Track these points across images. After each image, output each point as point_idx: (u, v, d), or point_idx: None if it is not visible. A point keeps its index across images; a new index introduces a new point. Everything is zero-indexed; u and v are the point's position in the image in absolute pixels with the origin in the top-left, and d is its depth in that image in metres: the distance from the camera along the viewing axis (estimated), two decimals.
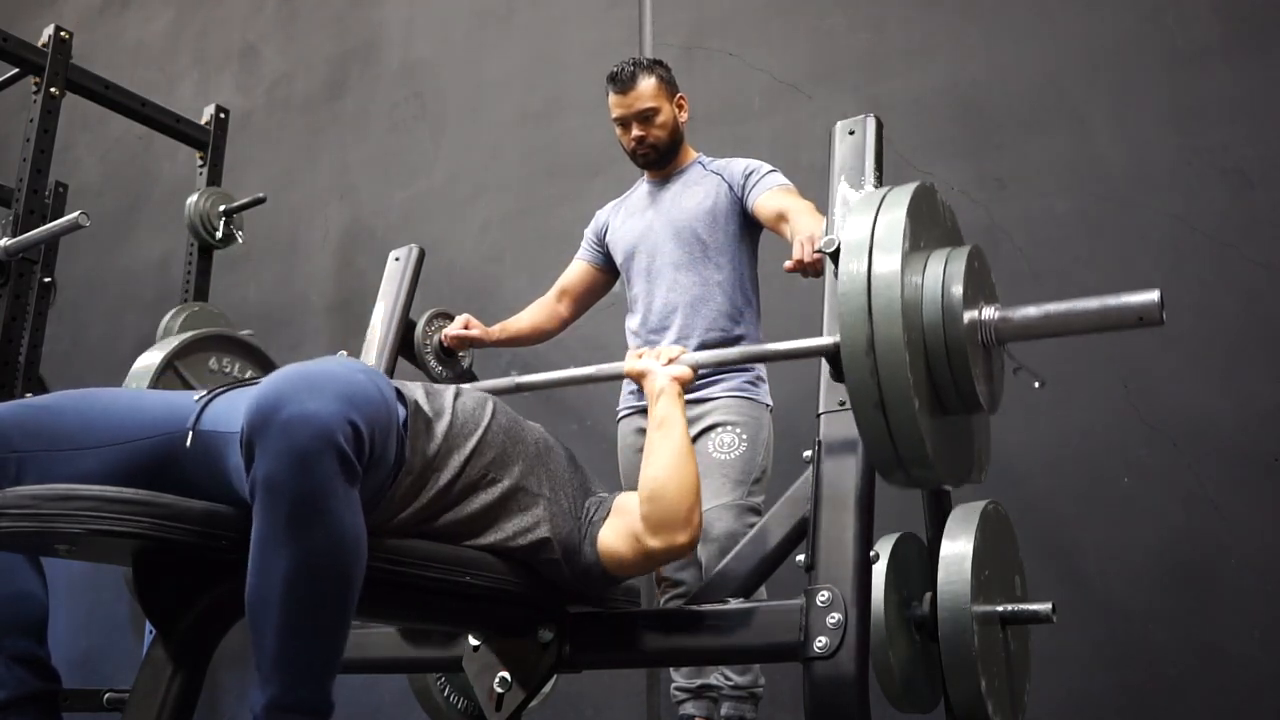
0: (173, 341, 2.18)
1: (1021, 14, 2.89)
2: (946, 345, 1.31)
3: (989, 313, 1.37)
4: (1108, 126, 2.70)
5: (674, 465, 1.46)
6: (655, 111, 2.35)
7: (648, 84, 2.35)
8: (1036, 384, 1.44)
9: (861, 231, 1.32)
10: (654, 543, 1.43)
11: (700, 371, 2.23)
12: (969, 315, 1.33)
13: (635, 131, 2.36)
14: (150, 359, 2.14)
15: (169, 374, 2.18)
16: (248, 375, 2.33)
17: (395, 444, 1.25)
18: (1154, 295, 1.29)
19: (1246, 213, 2.49)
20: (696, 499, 1.46)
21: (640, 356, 1.66)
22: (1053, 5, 2.85)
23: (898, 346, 1.24)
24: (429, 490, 1.34)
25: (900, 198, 1.34)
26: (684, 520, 1.43)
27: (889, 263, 1.27)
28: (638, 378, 1.64)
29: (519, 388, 1.82)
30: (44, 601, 1.30)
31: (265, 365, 2.34)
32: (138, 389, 2.02)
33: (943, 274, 1.33)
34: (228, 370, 2.27)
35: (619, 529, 1.47)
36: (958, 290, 1.32)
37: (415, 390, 1.41)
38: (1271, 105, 2.52)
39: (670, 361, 1.62)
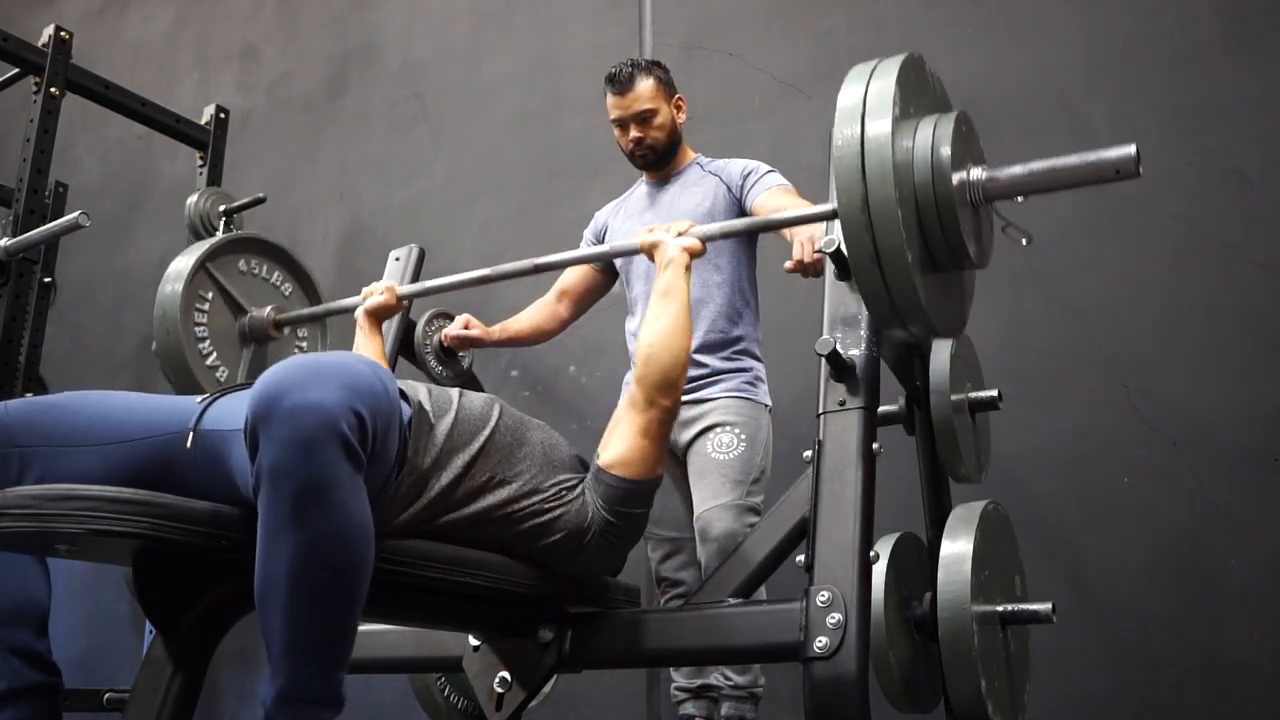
0: (204, 245, 2.22)
1: (1021, 14, 2.89)
2: (936, 203, 1.39)
3: (976, 173, 1.45)
4: (1108, 126, 2.70)
5: (671, 333, 1.55)
6: (653, 113, 2.35)
7: (645, 85, 2.35)
8: (1024, 240, 1.51)
9: (853, 98, 1.39)
10: (648, 408, 1.50)
11: (697, 368, 2.25)
12: (957, 175, 1.41)
13: (633, 133, 2.36)
14: (183, 263, 2.20)
15: (201, 274, 2.24)
16: (274, 279, 2.37)
17: (397, 439, 1.25)
18: (1130, 149, 1.37)
19: (1247, 213, 2.49)
20: (684, 370, 1.56)
21: (652, 230, 1.75)
22: (1053, 5, 2.85)
23: (890, 205, 1.32)
24: (431, 490, 1.34)
25: (890, 67, 1.42)
26: (671, 384, 1.53)
27: (880, 127, 1.35)
28: (649, 249, 1.73)
29: (537, 269, 1.94)
30: (46, 595, 1.31)
31: (293, 268, 2.38)
32: (140, 393, 2.03)
33: (932, 137, 1.41)
34: (256, 272, 2.32)
35: (612, 435, 1.52)
36: (946, 151, 1.40)
37: (419, 391, 1.41)
38: (1271, 105, 2.52)
39: (681, 235, 1.71)
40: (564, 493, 1.47)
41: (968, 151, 1.47)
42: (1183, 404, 2.45)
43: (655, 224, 2.33)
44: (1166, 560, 2.39)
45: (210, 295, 2.26)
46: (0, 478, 1.24)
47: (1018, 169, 1.46)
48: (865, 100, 1.38)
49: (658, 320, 1.58)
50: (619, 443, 1.51)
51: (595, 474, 1.50)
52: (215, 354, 2.22)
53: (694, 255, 1.69)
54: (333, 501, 1.08)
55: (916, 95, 1.46)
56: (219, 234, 3.61)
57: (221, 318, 2.26)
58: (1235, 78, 2.58)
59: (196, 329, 2.21)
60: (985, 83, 2.88)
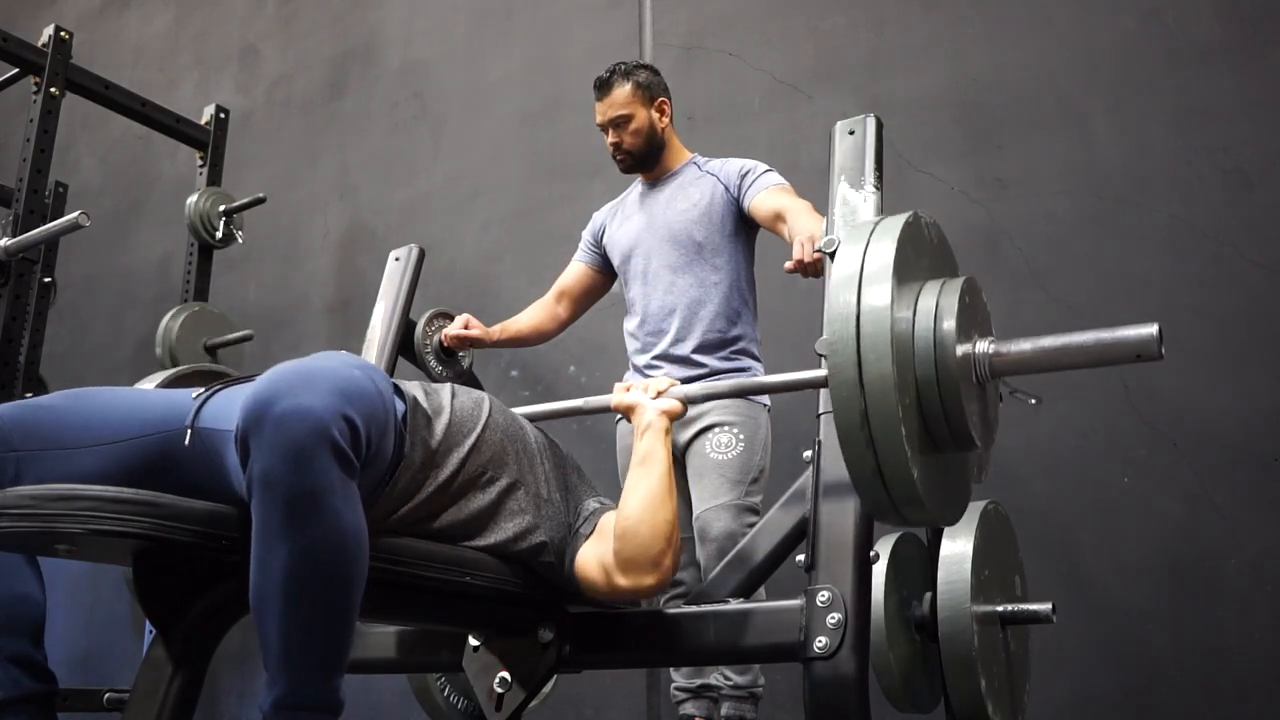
0: (161, 376, 2.18)
1: (1021, 14, 2.89)
2: (938, 381, 1.27)
3: (982, 346, 1.33)
4: (1108, 126, 2.70)
5: (650, 506, 1.43)
6: (628, 118, 2.37)
7: (622, 90, 2.36)
8: (1033, 401, 1.43)
9: (851, 264, 1.27)
10: (622, 580, 1.41)
11: (696, 368, 2.25)
12: (961, 349, 1.29)
13: (610, 137, 2.40)
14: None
15: None
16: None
17: (393, 439, 1.25)
18: (1152, 330, 1.25)
19: (1246, 213, 2.49)
20: (669, 544, 1.42)
21: (629, 389, 1.63)
22: (1053, 5, 2.85)
23: (887, 383, 1.20)
24: (428, 486, 1.34)
25: (891, 227, 1.31)
26: (653, 563, 1.40)
27: (878, 296, 1.23)
28: (626, 411, 1.61)
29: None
30: (41, 603, 1.30)
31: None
32: (136, 389, 2.03)
33: (935, 308, 1.29)
34: None
35: (596, 554, 1.45)
36: (950, 325, 1.28)
37: (413, 388, 1.41)
38: (1271, 105, 2.52)
39: (660, 394, 1.59)
40: (551, 514, 1.47)
41: (973, 322, 1.35)
42: (1183, 404, 2.45)
43: (647, 244, 2.36)
44: (1166, 560, 2.39)
45: None
46: None
47: (1026, 345, 1.33)
48: (863, 267, 1.26)
49: (635, 492, 1.45)
50: (595, 571, 1.43)
51: (571, 551, 1.47)
52: None
53: (673, 418, 1.57)
54: (325, 509, 1.07)
55: (917, 259, 1.35)
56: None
57: None
58: (1235, 78, 2.58)
59: None
60: (985, 83, 2.88)
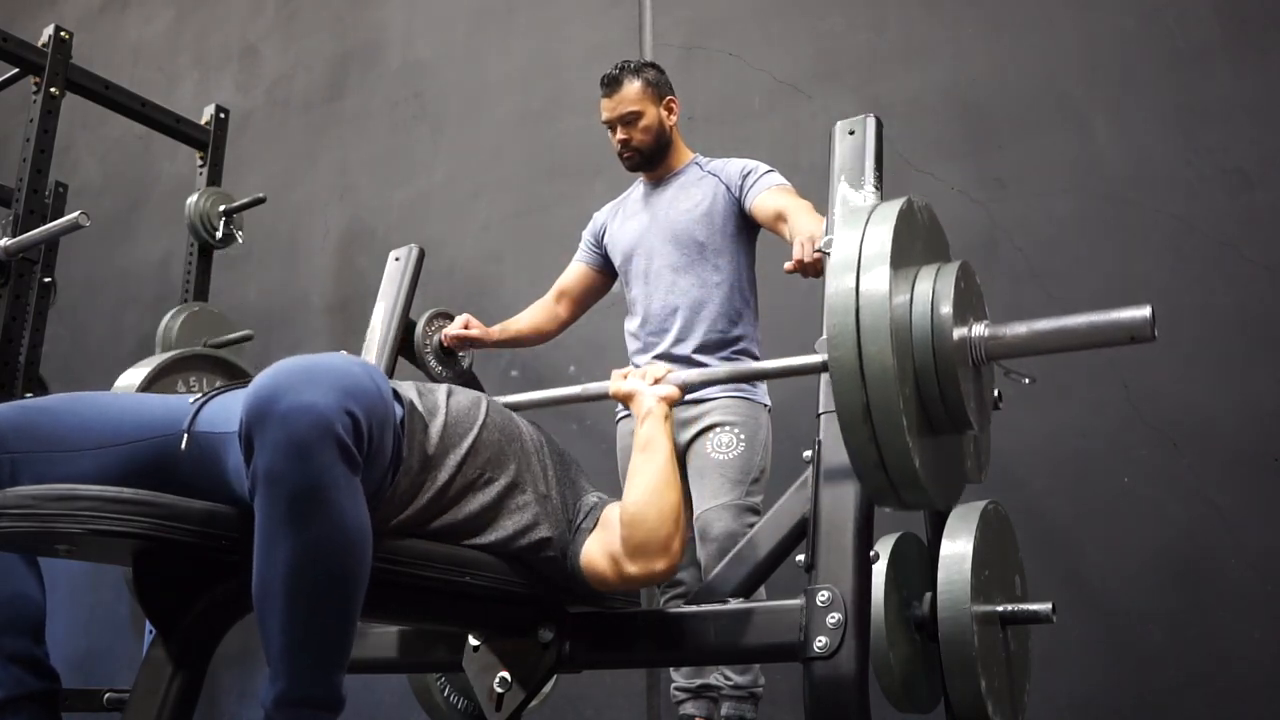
0: (155, 361, 2.19)
1: (1021, 14, 2.89)
2: (936, 365, 1.28)
3: (978, 330, 1.35)
4: (1108, 126, 2.70)
5: (655, 491, 1.43)
6: (638, 115, 2.36)
7: (632, 87, 2.36)
8: (1027, 380, 1.44)
9: (848, 249, 1.29)
10: (631, 568, 1.41)
11: (697, 368, 2.25)
12: (958, 333, 1.30)
13: (619, 135, 2.38)
14: (134, 376, 2.15)
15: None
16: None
17: (392, 440, 1.25)
18: (1145, 311, 1.26)
19: (1246, 213, 2.49)
20: (676, 526, 1.42)
21: (626, 376, 1.63)
22: (1053, 5, 2.85)
23: (887, 368, 1.21)
24: (428, 490, 1.34)
25: (887, 213, 1.32)
26: (662, 547, 1.40)
27: (877, 281, 1.24)
28: (624, 398, 1.61)
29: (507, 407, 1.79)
30: (41, 601, 1.30)
31: (234, 374, 2.35)
32: (132, 393, 2.04)
33: (931, 292, 1.30)
34: (194, 388, 2.28)
35: (602, 545, 1.45)
36: (947, 309, 1.29)
37: (409, 389, 1.40)
38: (1271, 105, 2.52)
39: (657, 381, 1.59)
40: (551, 510, 1.47)
41: (969, 306, 1.36)
42: (1183, 404, 2.45)
43: (648, 245, 2.36)
44: (1166, 560, 2.39)
45: None
46: None
47: (1022, 328, 1.34)
48: (861, 251, 1.28)
49: (640, 477, 1.45)
50: (603, 561, 1.43)
51: (574, 544, 1.48)
52: None
53: (672, 404, 1.57)
54: (329, 505, 1.07)
55: (912, 242, 1.37)
56: (219, 235, 3.60)
57: None
58: (1235, 78, 2.58)
59: None
60: (985, 83, 2.88)
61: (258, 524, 1.09)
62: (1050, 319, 1.33)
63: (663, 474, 1.45)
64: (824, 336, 1.53)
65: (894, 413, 1.21)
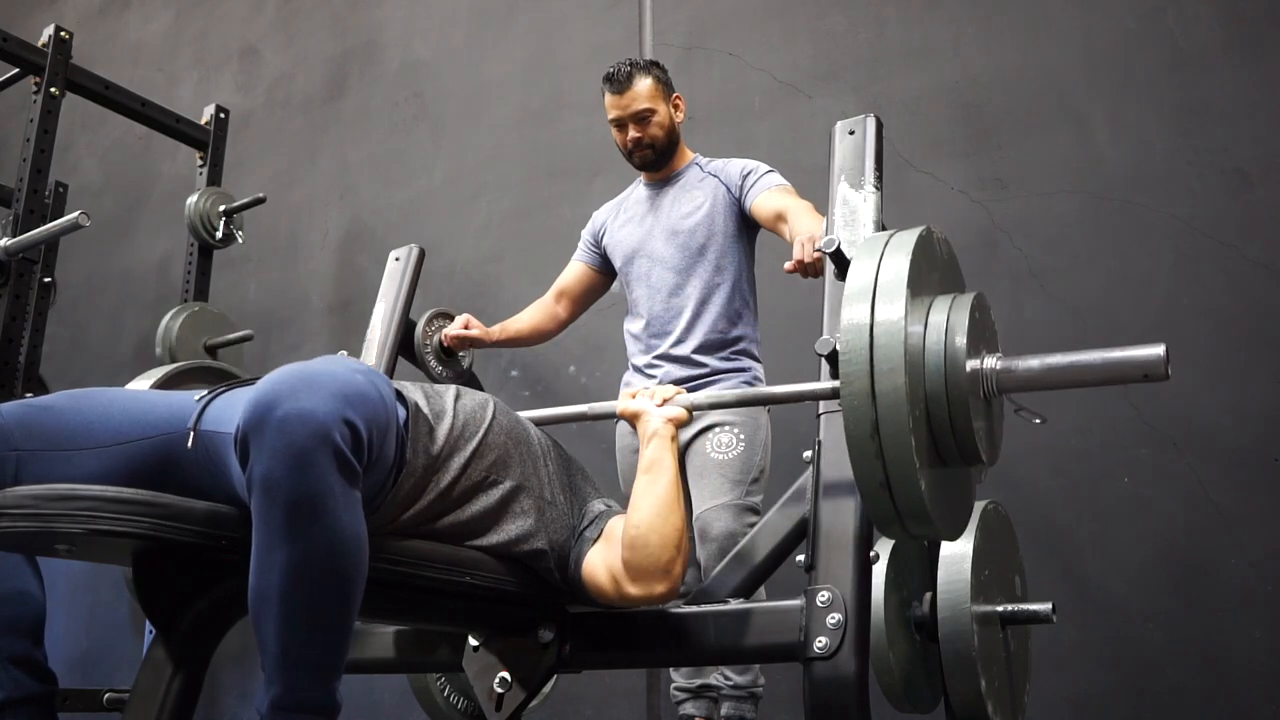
0: (159, 372, 2.17)
1: (1021, 14, 2.89)
2: (948, 397, 1.27)
3: (990, 363, 1.34)
4: (1108, 126, 2.70)
5: (658, 514, 1.43)
6: (652, 112, 2.35)
7: (644, 85, 2.35)
8: (1038, 421, 1.43)
9: (865, 278, 1.28)
10: (632, 589, 1.41)
11: (696, 368, 2.25)
12: (971, 365, 1.30)
13: (632, 133, 2.36)
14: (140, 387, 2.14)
15: None
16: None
17: (395, 444, 1.24)
18: (1159, 350, 1.26)
19: (1246, 213, 2.49)
20: (678, 551, 1.42)
21: (634, 396, 1.63)
22: (1053, 5, 2.85)
23: (900, 398, 1.20)
24: (431, 492, 1.34)
25: (905, 243, 1.31)
26: (663, 571, 1.40)
27: (893, 311, 1.24)
28: (631, 418, 1.61)
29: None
30: (41, 602, 1.30)
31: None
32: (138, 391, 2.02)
33: (945, 324, 1.30)
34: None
35: (604, 561, 1.45)
36: (961, 340, 1.28)
37: (415, 392, 1.40)
38: (1271, 105, 2.52)
39: (665, 402, 1.59)
40: (555, 516, 1.48)
41: (981, 339, 1.36)
42: (1183, 404, 2.45)
43: (650, 246, 2.36)
44: (1166, 560, 2.39)
45: None
46: None
47: (1035, 363, 1.34)
48: (876, 282, 1.27)
49: (644, 499, 1.44)
50: (604, 577, 1.43)
51: (577, 555, 1.47)
52: None
53: (679, 425, 1.56)
54: (325, 514, 1.07)
55: (928, 273, 1.37)
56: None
57: None
58: (1235, 78, 2.58)
59: None
60: (985, 83, 2.88)
61: (254, 531, 1.08)
62: (1063, 354, 1.33)
63: (667, 498, 1.45)
64: (824, 336, 1.53)
65: (904, 442, 1.20)
